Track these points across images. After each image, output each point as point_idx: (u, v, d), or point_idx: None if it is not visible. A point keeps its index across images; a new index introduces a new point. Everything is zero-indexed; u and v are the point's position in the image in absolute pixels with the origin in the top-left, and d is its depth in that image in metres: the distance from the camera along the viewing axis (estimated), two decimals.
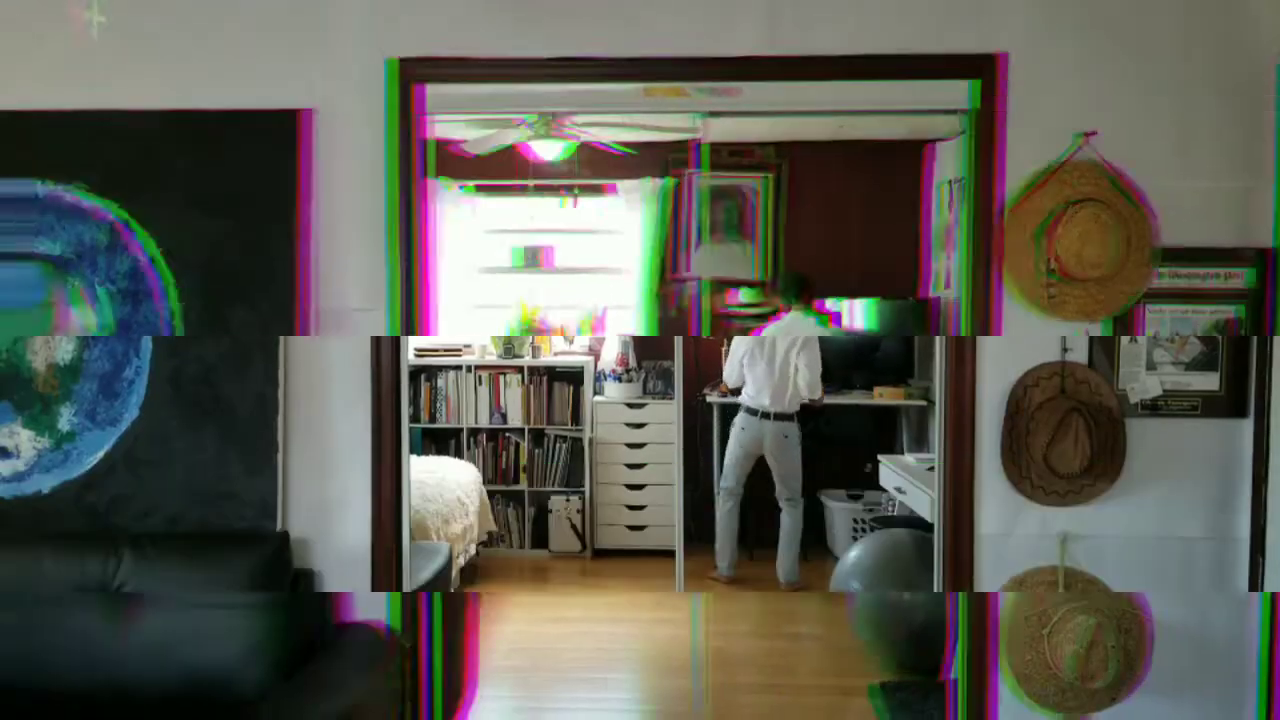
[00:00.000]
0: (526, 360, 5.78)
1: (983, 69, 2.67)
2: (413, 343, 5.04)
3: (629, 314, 5.87)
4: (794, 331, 4.96)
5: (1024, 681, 2.72)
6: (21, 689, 2.47)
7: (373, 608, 2.75)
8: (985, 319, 2.70)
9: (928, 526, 3.22)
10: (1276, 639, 2.62)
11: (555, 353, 5.91)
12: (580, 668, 4.03)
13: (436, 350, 5.81)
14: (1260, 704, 2.70)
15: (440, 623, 2.89)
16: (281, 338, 2.71)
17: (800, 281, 5.11)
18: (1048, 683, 2.70)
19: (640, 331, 5.82)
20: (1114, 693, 2.69)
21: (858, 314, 5.54)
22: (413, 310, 2.74)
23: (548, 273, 5.91)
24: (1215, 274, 2.69)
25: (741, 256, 5.85)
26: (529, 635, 4.39)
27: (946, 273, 5.25)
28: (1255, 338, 2.67)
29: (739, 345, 5.11)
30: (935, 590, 2.80)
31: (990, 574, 2.73)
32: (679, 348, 4.97)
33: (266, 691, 2.41)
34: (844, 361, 5.57)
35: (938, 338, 2.78)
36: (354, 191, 2.74)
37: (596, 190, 5.75)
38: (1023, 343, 2.69)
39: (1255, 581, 2.65)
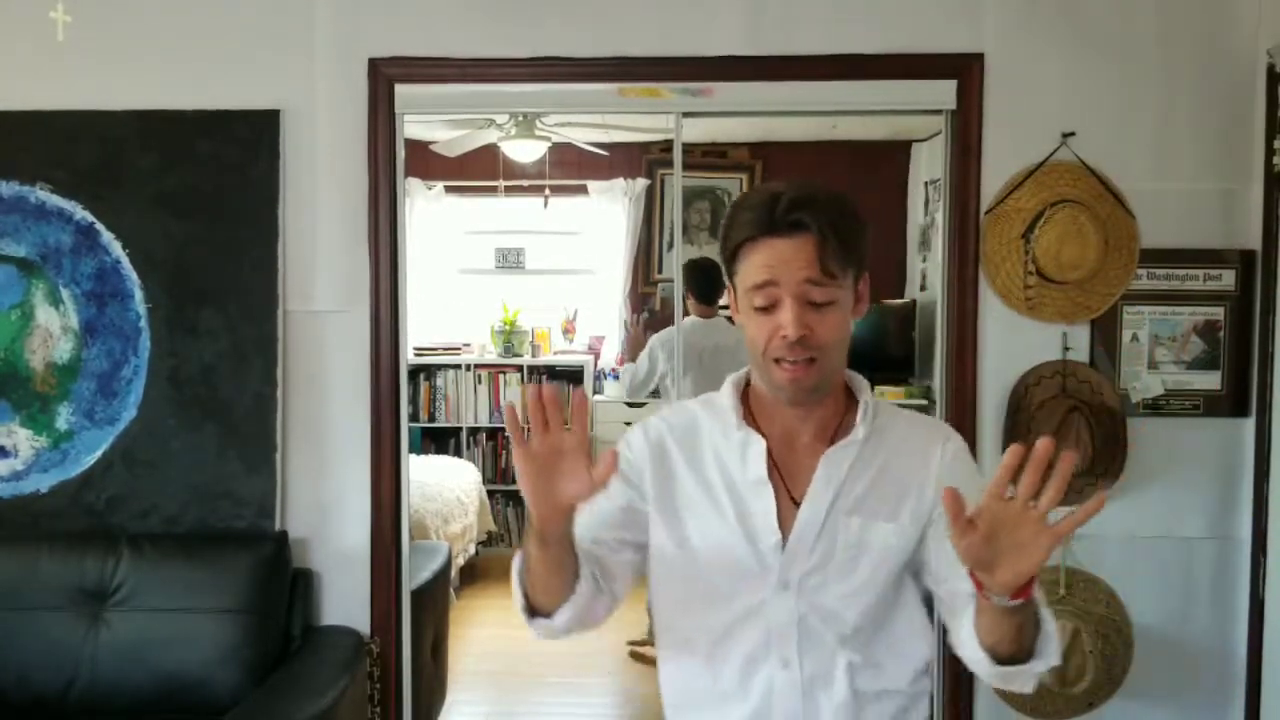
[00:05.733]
0: (526, 359, 5.77)
1: (962, 70, 2.66)
2: (412, 341, 5.03)
3: (604, 316, 5.87)
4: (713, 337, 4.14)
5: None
6: None
7: (347, 611, 2.75)
8: (964, 321, 2.70)
9: None
10: (1261, 643, 2.61)
11: (555, 351, 5.90)
12: (555, 671, 4.01)
13: (435, 349, 5.80)
14: (1245, 709, 2.69)
15: (413, 626, 2.88)
16: (280, 337, 2.70)
17: (698, 273, 4.16)
18: None
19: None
20: (1092, 697, 2.68)
21: None
22: (395, 311, 2.74)
23: (524, 274, 5.89)
24: (1197, 275, 2.68)
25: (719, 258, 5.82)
26: (503, 639, 4.37)
27: (925, 275, 5.23)
28: (1258, 337, 2.67)
29: (658, 348, 4.20)
30: None
31: None
32: (678, 347, 4.93)
33: (241, 695, 2.40)
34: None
35: (939, 336, 2.77)
36: (324, 192, 2.73)
37: (570, 191, 5.73)
38: (1018, 342, 2.69)
39: (1256, 582, 2.64)
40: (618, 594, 1.34)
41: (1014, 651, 1.21)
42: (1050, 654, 1.23)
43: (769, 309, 1.26)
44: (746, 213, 1.26)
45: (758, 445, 1.34)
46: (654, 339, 4.36)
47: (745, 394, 1.39)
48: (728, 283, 1.34)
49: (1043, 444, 1.04)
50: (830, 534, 1.31)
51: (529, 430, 1.16)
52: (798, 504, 1.32)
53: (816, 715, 1.32)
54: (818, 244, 1.23)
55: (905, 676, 1.36)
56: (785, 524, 1.31)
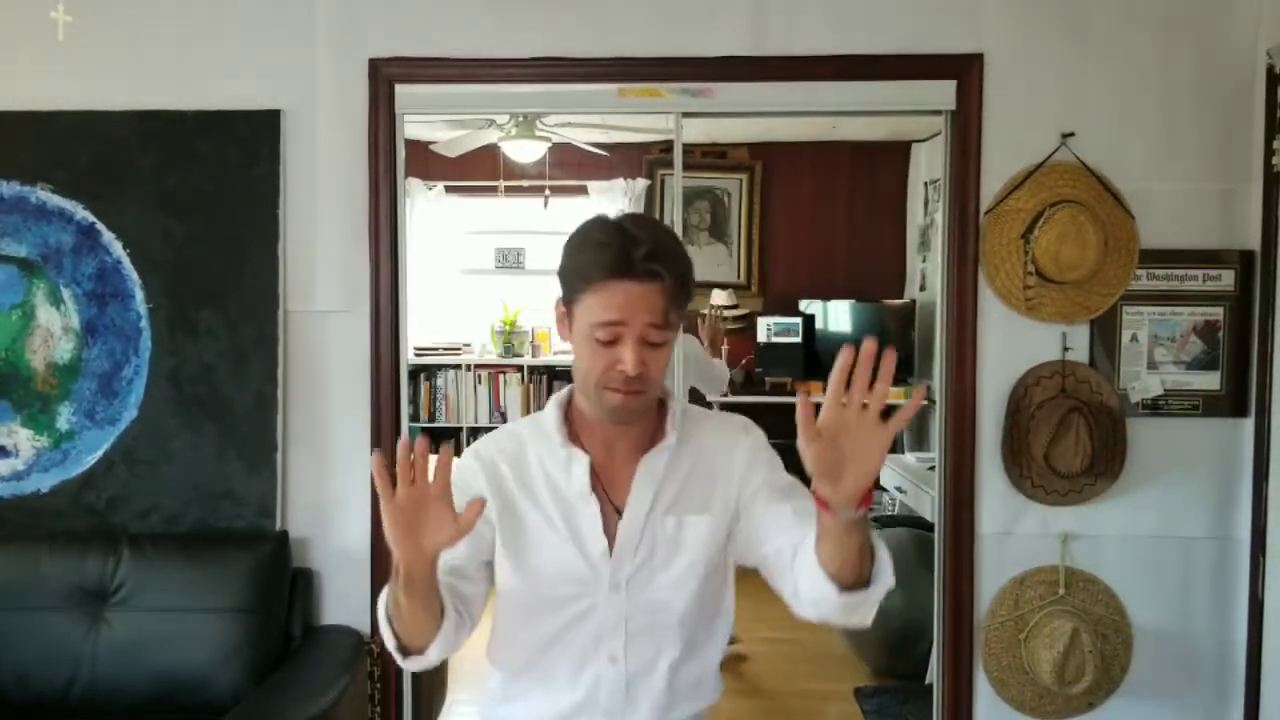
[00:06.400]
0: (526, 359, 5.77)
1: (962, 70, 2.66)
2: (412, 342, 5.03)
3: None
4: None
5: (1002, 686, 2.72)
6: None
7: (347, 610, 2.75)
8: (963, 321, 2.70)
9: (928, 526, 3.21)
10: (1261, 643, 2.62)
11: (555, 351, 5.91)
12: None
13: (436, 349, 5.80)
14: (1244, 708, 2.70)
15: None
16: (281, 337, 2.71)
17: None
18: (1025, 687, 2.70)
19: None
20: (1091, 697, 2.68)
21: (841, 316, 5.53)
22: (395, 311, 2.74)
23: (524, 274, 5.88)
24: (1196, 275, 2.69)
25: (719, 258, 5.83)
26: None
27: (925, 275, 5.23)
28: (1257, 337, 2.67)
29: None
30: (935, 590, 2.79)
31: (990, 574, 2.73)
32: (679, 346, 4.91)
33: (241, 695, 2.40)
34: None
35: (938, 337, 2.77)
36: (325, 192, 2.73)
37: (570, 191, 5.73)
38: (1018, 343, 2.69)
39: (1256, 582, 2.64)
40: (475, 618, 1.46)
41: (857, 576, 1.26)
42: (886, 577, 1.28)
43: (610, 344, 1.34)
44: (603, 251, 1.33)
45: (581, 460, 1.45)
46: None
47: (569, 413, 1.49)
48: (562, 304, 1.40)
49: (869, 343, 1.12)
50: (650, 535, 1.44)
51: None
52: (620, 512, 1.45)
53: (636, 707, 1.45)
54: (666, 295, 1.33)
55: (715, 657, 1.52)
56: (610, 530, 1.44)
